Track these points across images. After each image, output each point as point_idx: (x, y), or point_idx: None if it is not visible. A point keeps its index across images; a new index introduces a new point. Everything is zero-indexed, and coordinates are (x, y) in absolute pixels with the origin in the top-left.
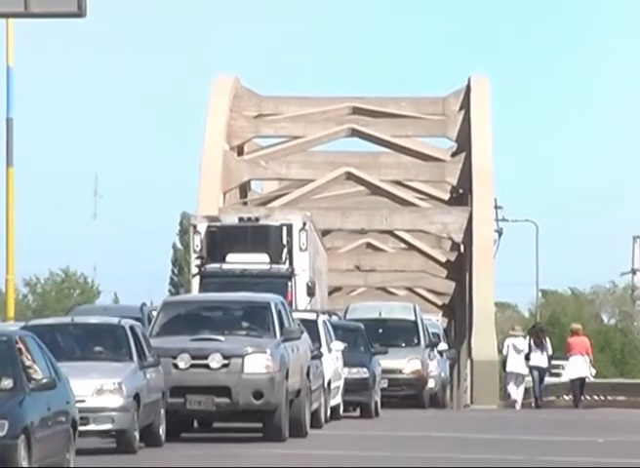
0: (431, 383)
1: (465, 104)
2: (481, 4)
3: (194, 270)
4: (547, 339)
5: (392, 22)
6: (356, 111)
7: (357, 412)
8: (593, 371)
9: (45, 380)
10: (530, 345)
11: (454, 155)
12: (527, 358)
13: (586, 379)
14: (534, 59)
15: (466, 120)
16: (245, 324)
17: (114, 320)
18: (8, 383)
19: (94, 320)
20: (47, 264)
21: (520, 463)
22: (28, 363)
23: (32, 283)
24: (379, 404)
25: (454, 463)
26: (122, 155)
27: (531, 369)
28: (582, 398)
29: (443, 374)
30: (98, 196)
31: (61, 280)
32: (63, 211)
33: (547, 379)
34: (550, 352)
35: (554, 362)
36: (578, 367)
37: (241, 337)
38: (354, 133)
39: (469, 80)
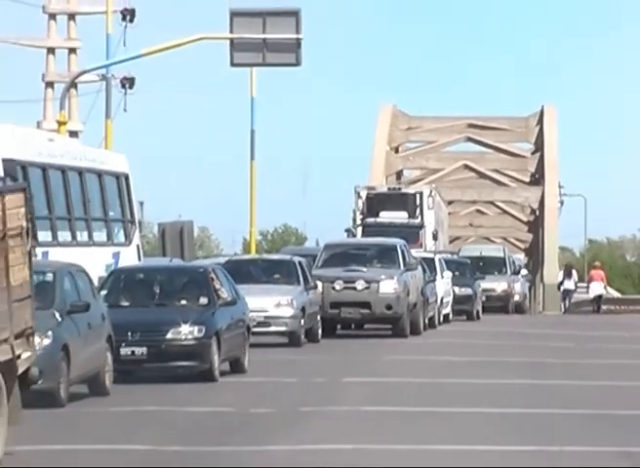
0: (516, 297)
1: (540, 122)
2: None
3: (358, 222)
4: (575, 272)
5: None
6: (470, 125)
7: (465, 318)
8: (604, 292)
9: (229, 299)
10: (564, 276)
11: (532, 153)
12: (561, 284)
13: (603, 296)
14: (591, 77)
15: (541, 131)
16: (379, 259)
17: (288, 257)
18: (204, 300)
19: (275, 257)
20: (275, 221)
21: (571, 349)
22: (218, 286)
23: (265, 233)
24: (480, 311)
25: (533, 347)
26: (324, 149)
27: (564, 290)
28: (605, 307)
29: (524, 291)
30: (307, 177)
31: (282, 231)
32: (286, 187)
33: (576, 296)
34: (576, 279)
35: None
36: (596, 289)
37: (377, 269)
38: (469, 139)
39: (542, 107)
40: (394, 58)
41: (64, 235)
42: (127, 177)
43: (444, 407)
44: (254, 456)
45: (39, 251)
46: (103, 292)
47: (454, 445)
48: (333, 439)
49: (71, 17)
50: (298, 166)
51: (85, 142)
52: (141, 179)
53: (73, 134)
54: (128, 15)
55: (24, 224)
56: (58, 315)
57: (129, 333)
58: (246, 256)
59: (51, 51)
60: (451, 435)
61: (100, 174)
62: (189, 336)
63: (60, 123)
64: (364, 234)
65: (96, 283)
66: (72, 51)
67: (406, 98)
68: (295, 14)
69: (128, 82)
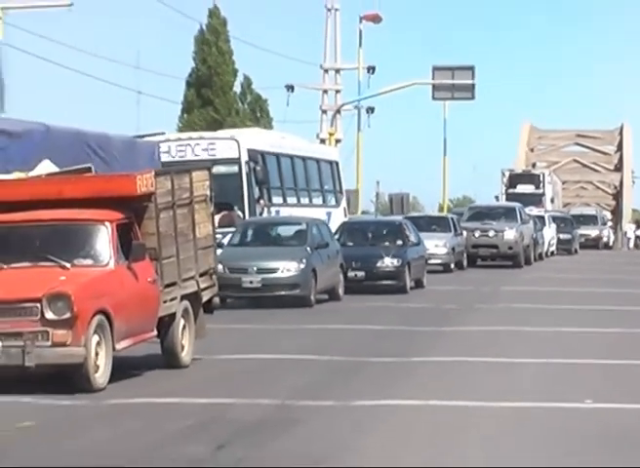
0: (604, 239)
1: (620, 133)
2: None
3: (502, 192)
4: None
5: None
6: (577, 135)
7: (566, 253)
8: None
9: (415, 241)
10: (636, 227)
11: (615, 152)
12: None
13: None
14: None
15: (621, 139)
16: (504, 216)
17: (444, 214)
18: (399, 242)
19: (435, 214)
20: (458, 192)
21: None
22: (408, 233)
23: (452, 200)
24: (577, 249)
25: (614, 269)
26: (488, 148)
27: (636, 236)
28: None
29: (610, 235)
30: (476, 167)
31: (462, 199)
32: (465, 171)
33: None
34: None
35: None
36: None
37: (502, 222)
38: (576, 143)
39: (622, 124)
40: (532, 90)
41: (291, 199)
42: (337, 163)
43: (564, 305)
44: (451, 333)
45: (273, 209)
46: (336, 237)
47: (571, 327)
48: (494, 323)
49: (337, 71)
50: (472, 158)
51: (345, 147)
52: (379, 166)
53: (338, 141)
54: (371, 69)
55: (208, 193)
56: (309, 249)
57: (352, 263)
58: (414, 214)
59: (324, 92)
60: (568, 321)
61: (317, 160)
62: (390, 265)
63: (330, 134)
64: (506, 199)
65: None
66: (337, 91)
67: (538, 117)
68: (471, 68)
69: (371, 110)
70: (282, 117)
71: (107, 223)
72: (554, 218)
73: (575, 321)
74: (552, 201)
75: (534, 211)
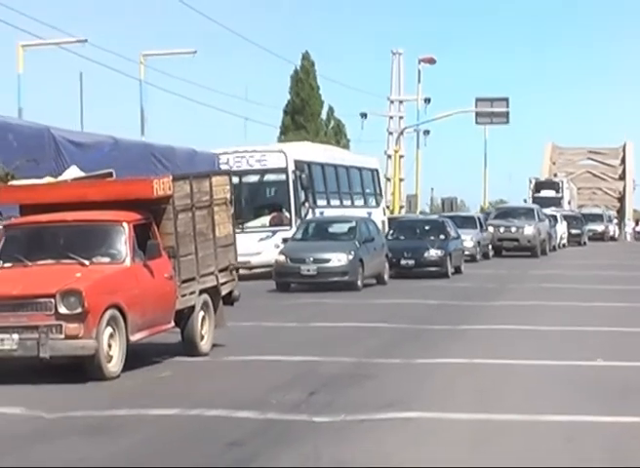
0: (610, 233)
1: (624, 149)
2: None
3: (530, 196)
4: None
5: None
6: (590, 152)
7: (577, 244)
8: None
9: (455, 236)
10: (635, 224)
11: (619, 165)
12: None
13: None
14: None
15: (624, 154)
16: (524, 215)
17: (472, 214)
18: (442, 236)
19: (464, 214)
20: (496, 197)
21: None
22: (448, 229)
23: (491, 202)
24: (586, 241)
25: (616, 256)
26: (518, 162)
27: (634, 231)
28: None
29: (615, 230)
30: (511, 176)
31: (498, 202)
32: (501, 181)
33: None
34: None
35: None
36: None
37: (523, 220)
38: (588, 158)
39: (625, 142)
40: (554, 114)
41: (334, 202)
42: (377, 171)
43: (579, 284)
44: (490, 307)
45: (318, 211)
46: (390, 232)
47: (584, 302)
48: (525, 298)
49: (400, 101)
50: (507, 169)
51: (407, 161)
52: (434, 176)
53: (401, 157)
54: (427, 100)
55: (228, 196)
56: (357, 243)
57: (404, 253)
58: (449, 213)
59: (390, 117)
60: (581, 297)
61: (359, 168)
62: (435, 255)
63: (395, 151)
64: (533, 202)
65: None
66: (401, 117)
67: (559, 136)
68: (506, 99)
69: (427, 132)
70: (357, 138)
71: (125, 224)
72: (567, 217)
73: (587, 297)
74: (569, 203)
75: (553, 210)
